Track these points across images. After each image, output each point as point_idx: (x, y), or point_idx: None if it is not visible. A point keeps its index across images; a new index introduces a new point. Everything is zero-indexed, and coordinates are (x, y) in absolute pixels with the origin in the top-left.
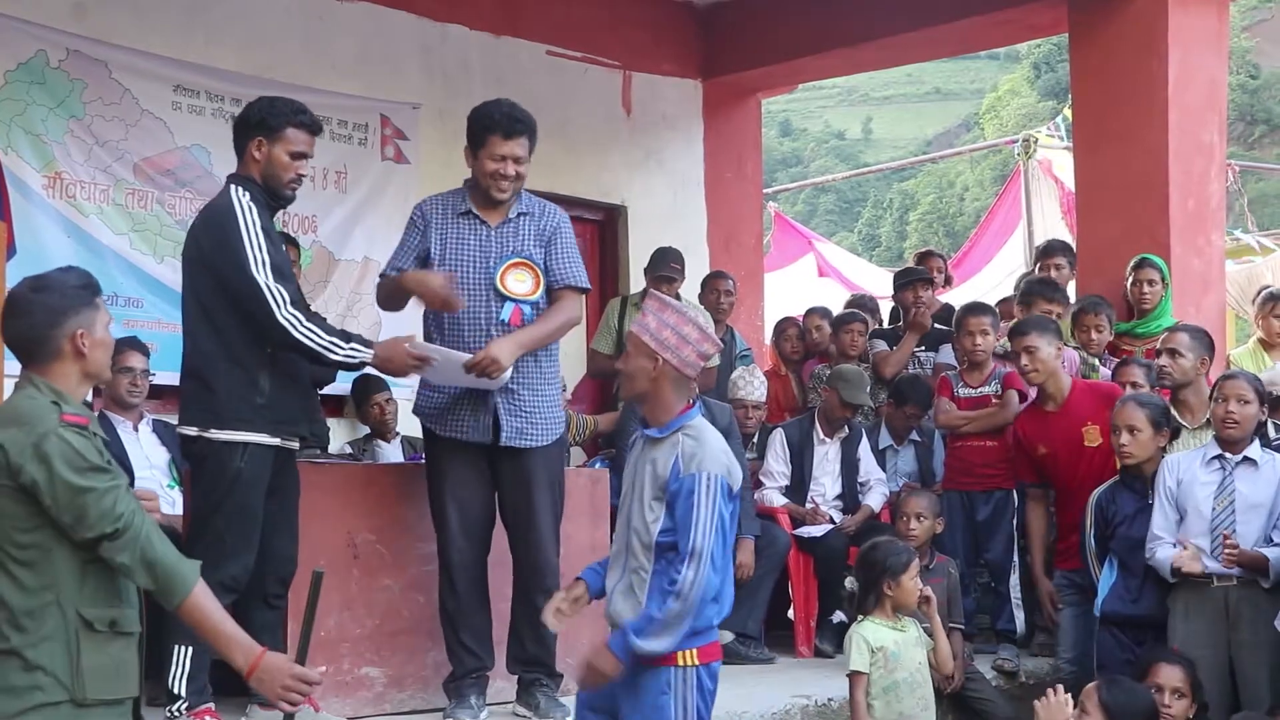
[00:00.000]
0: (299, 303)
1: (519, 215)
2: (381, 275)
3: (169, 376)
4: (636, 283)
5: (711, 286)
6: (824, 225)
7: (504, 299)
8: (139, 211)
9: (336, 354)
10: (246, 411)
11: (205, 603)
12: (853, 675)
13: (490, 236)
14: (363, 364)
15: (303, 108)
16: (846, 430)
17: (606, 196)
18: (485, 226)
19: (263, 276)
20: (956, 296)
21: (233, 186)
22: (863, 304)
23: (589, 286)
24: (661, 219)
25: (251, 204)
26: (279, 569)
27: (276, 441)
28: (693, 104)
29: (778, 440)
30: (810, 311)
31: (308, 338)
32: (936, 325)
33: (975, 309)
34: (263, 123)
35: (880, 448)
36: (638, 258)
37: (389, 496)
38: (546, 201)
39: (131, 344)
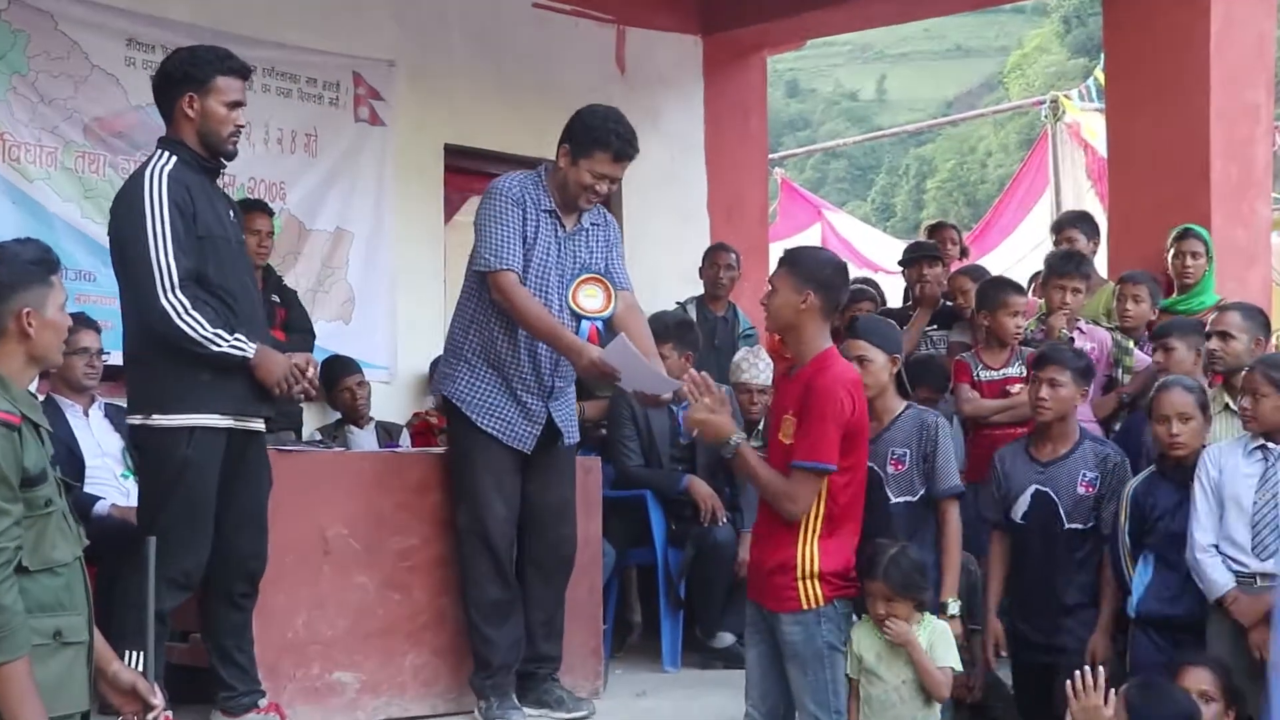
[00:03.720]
0: (186, 288)
1: (591, 225)
2: (498, 269)
3: (121, 356)
4: (633, 254)
5: (712, 260)
6: (834, 193)
7: (577, 317)
8: (90, 176)
9: (223, 345)
10: (190, 392)
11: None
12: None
13: (564, 244)
14: (245, 360)
15: (227, 53)
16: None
17: None
18: (562, 230)
19: (153, 251)
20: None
21: (156, 153)
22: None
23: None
24: (658, 186)
25: (164, 175)
26: (245, 565)
27: (229, 423)
28: (692, 62)
29: None
30: None
31: (189, 324)
32: (947, 302)
33: (1012, 285)
34: (188, 76)
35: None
36: (632, 228)
37: (362, 487)
38: (602, 207)
39: (83, 321)
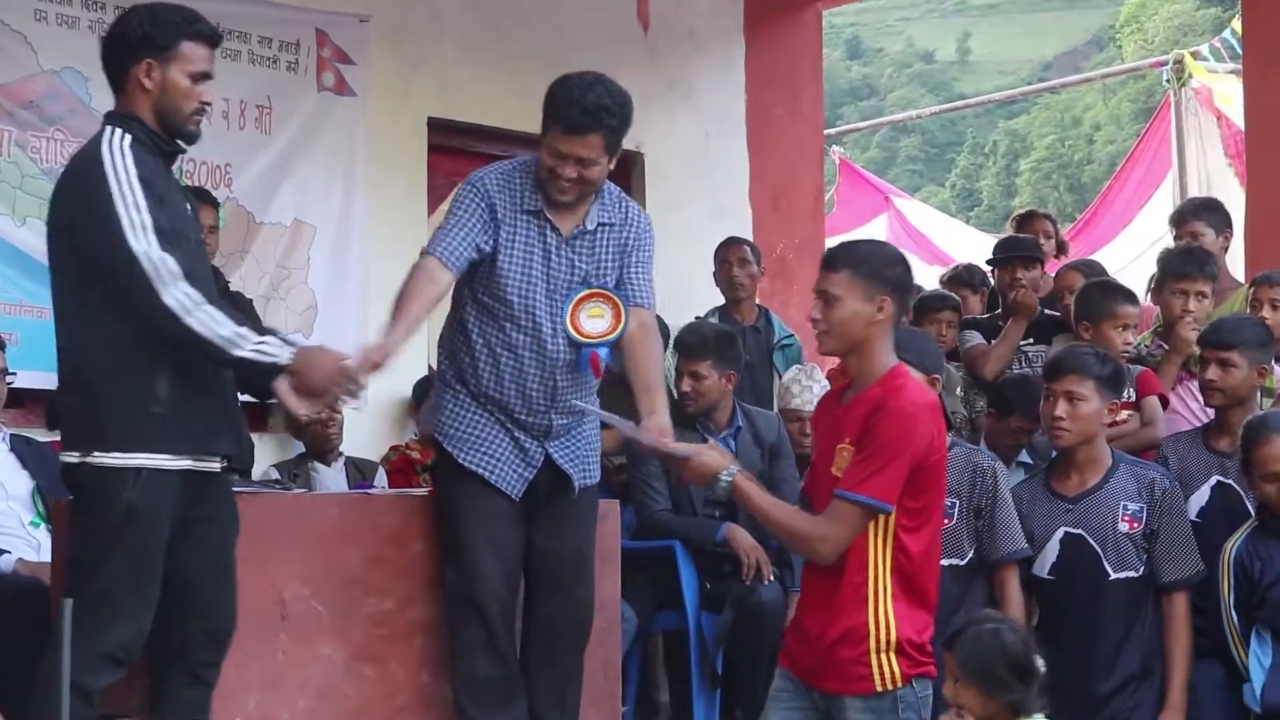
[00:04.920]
0: (195, 278)
1: (599, 227)
2: (423, 254)
3: (33, 377)
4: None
5: (721, 259)
6: (906, 177)
7: (576, 344)
8: None
9: (242, 349)
10: (137, 425)
11: None
12: None
13: (560, 251)
14: (275, 368)
15: (195, 14)
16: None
17: None
18: (555, 235)
19: (140, 242)
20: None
21: (107, 129)
22: (966, 277)
23: (655, 309)
24: (689, 169)
25: (126, 149)
26: (209, 626)
27: (184, 464)
28: (730, 18)
29: None
30: None
31: (203, 324)
32: (1046, 311)
33: (1121, 291)
34: (147, 39)
35: (1037, 469)
36: (658, 224)
37: (329, 538)
38: (629, 201)
39: None
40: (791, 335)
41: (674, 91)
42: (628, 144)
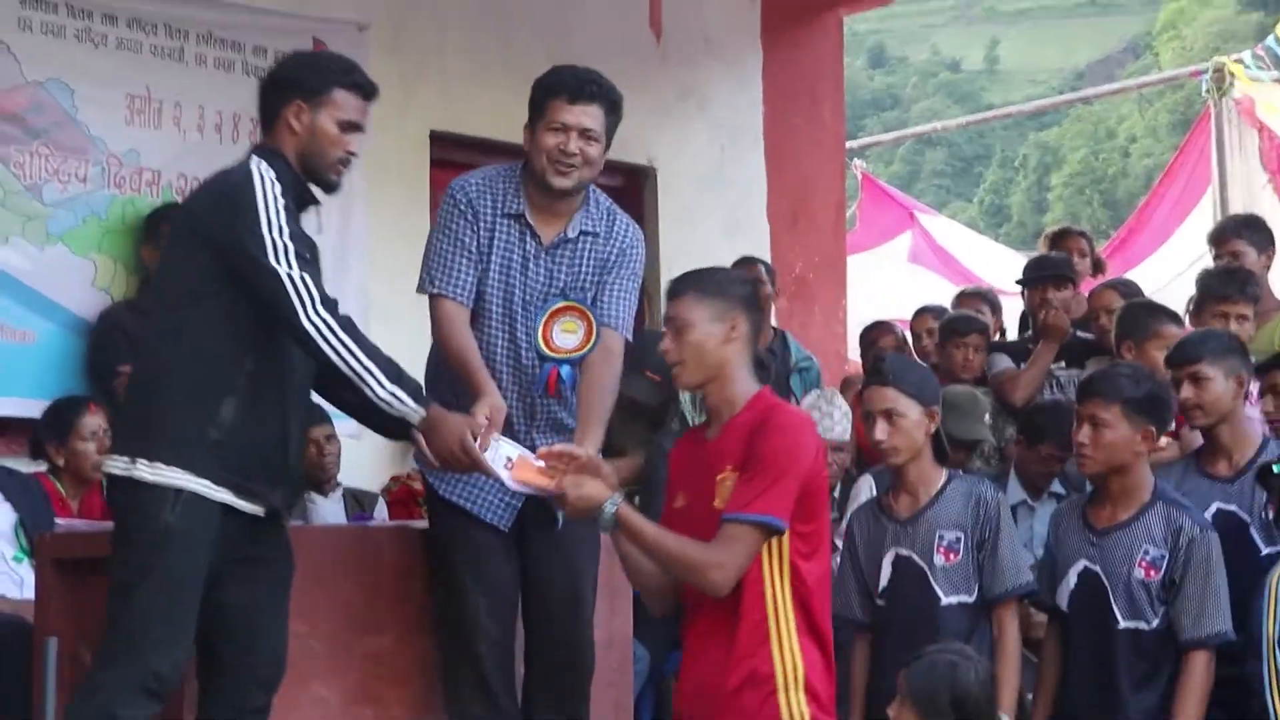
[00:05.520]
0: (330, 304)
1: (581, 235)
2: (434, 293)
3: (13, 405)
4: (670, 274)
5: None
6: (931, 192)
7: (544, 358)
8: None
9: (378, 390)
10: (189, 444)
11: None
12: None
13: (538, 259)
14: (403, 422)
15: (354, 65)
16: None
17: (627, 153)
18: (535, 242)
19: (284, 264)
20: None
21: (254, 158)
22: (977, 299)
23: (629, 336)
24: (703, 184)
25: (273, 178)
26: (261, 672)
27: (225, 497)
28: (747, 24)
29: (866, 492)
30: (921, 312)
31: (339, 352)
32: (1079, 333)
33: (1165, 312)
34: (302, 83)
35: (1010, 503)
36: (670, 241)
37: (326, 572)
38: (619, 213)
39: None
40: (810, 358)
41: (688, 102)
42: (638, 158)
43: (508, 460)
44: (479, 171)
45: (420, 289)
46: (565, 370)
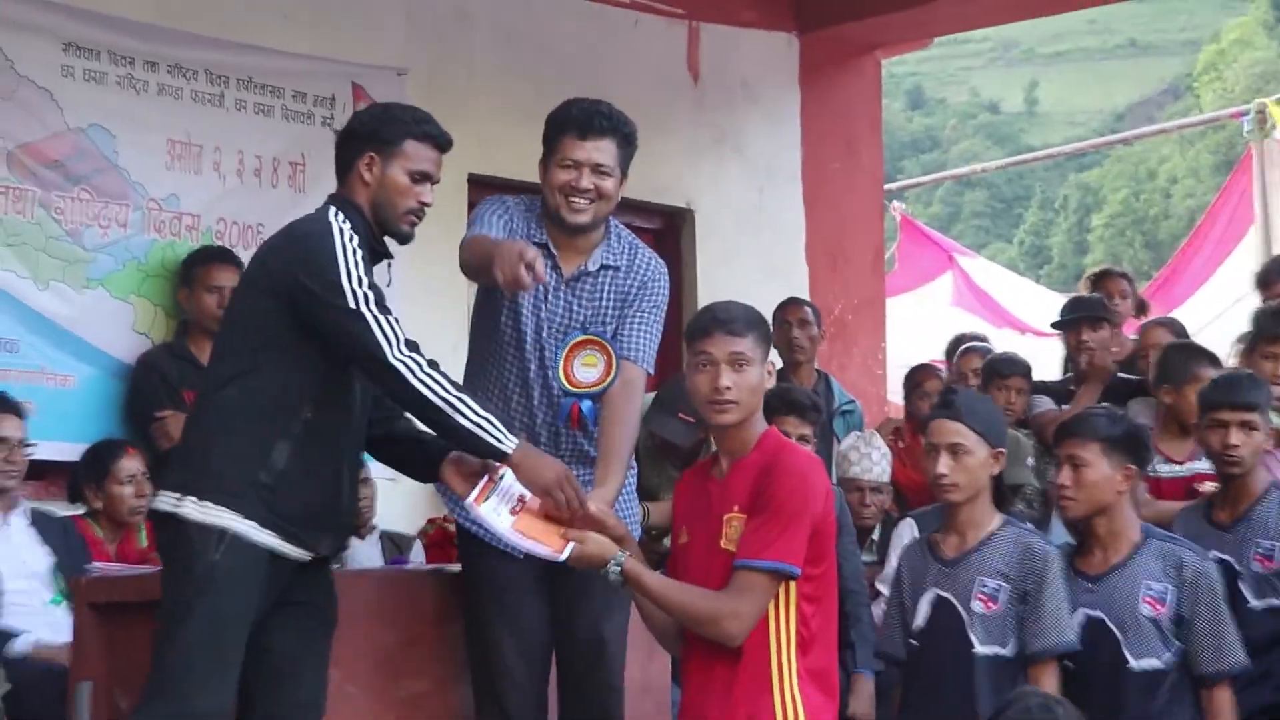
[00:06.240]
0: (414, 345)
1: (601, 269)
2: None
3: (53, 449)
4: None
5: (780, 319)
6: (971, 233)
7: (565, 392)
8: (13, 218)
9: (470, 415)
10: (239, 484)
11: None
12: None
13: (557, 292)
14: (497, 453)
15: (427, 116)
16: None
17: (664, 196)
18: (556, 274)
19: (368, 307)
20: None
21: (331, 208)
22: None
23: (651, 371)
24: (741, 226)
25: (352, 231)
26: (298, 718)
27: (271, 541)
28: (785, 66)
29: (908, 535)
30: (967, 351)
31: (428, 385)
32: (1122, 374)
33: (1205, 354)
34: (375, 134)
35: (1060, 544)
36: (707, 282)
37: (361, 616)
38: (641, 247)
39: (0, 403)
40: (853, 402)
41: (725, 145)
42: (677, 200)
43: (519, 500)
44: (510, 197)
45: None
46: (586, 405)
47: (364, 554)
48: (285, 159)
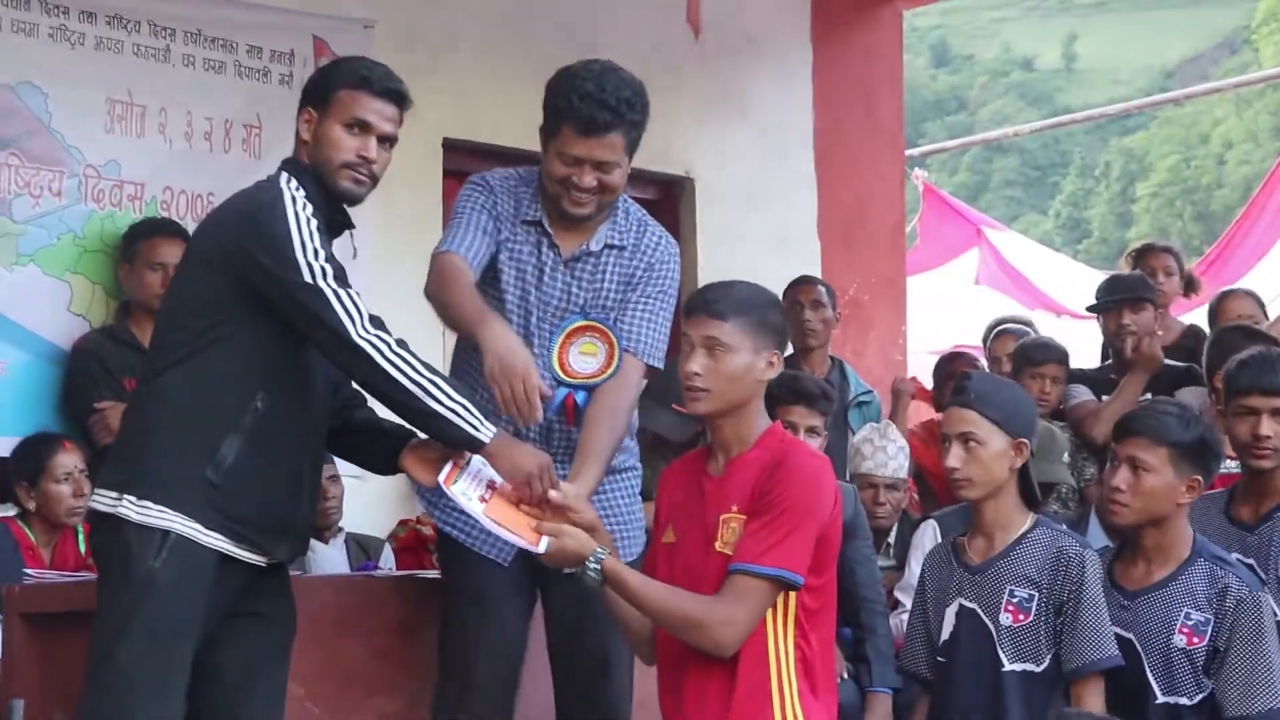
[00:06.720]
0: (379, 322)
1: (605, 249)
2: (438, 252)
3: None
4: None
5: (792, 299)
6: (1001, 204)
7: (559, 382)
8: None
9: (444, 400)
10: (181, 482)
11: None
12: None
13: (555, 273)
14: (472, 441)
15: (371, 64)
16: (1061, 525)
17: (661, 164)
18: (554, 253)
19: (325, 281)
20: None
21: (283, 174)
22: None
23: (661, 365)
24: (747, 197)
25: (307, 200)
26: None
27: (219, 544)
28: (795, 19)
29: (929, 538)
30: (1001, 334)
31: (399, 367)
32: (1169, 362)
33: (1262, 336)
34: (312, 88)
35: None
36: (711, 258)
37: (326, 628)
38: (651, 224)
39: None
40: (870, 392)
41: (729, 106)
42: (675, 168)
43: (490, 485)
44: (499, 170)
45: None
46: (581, 397)
47: (329, 559)
48: (238, 121)
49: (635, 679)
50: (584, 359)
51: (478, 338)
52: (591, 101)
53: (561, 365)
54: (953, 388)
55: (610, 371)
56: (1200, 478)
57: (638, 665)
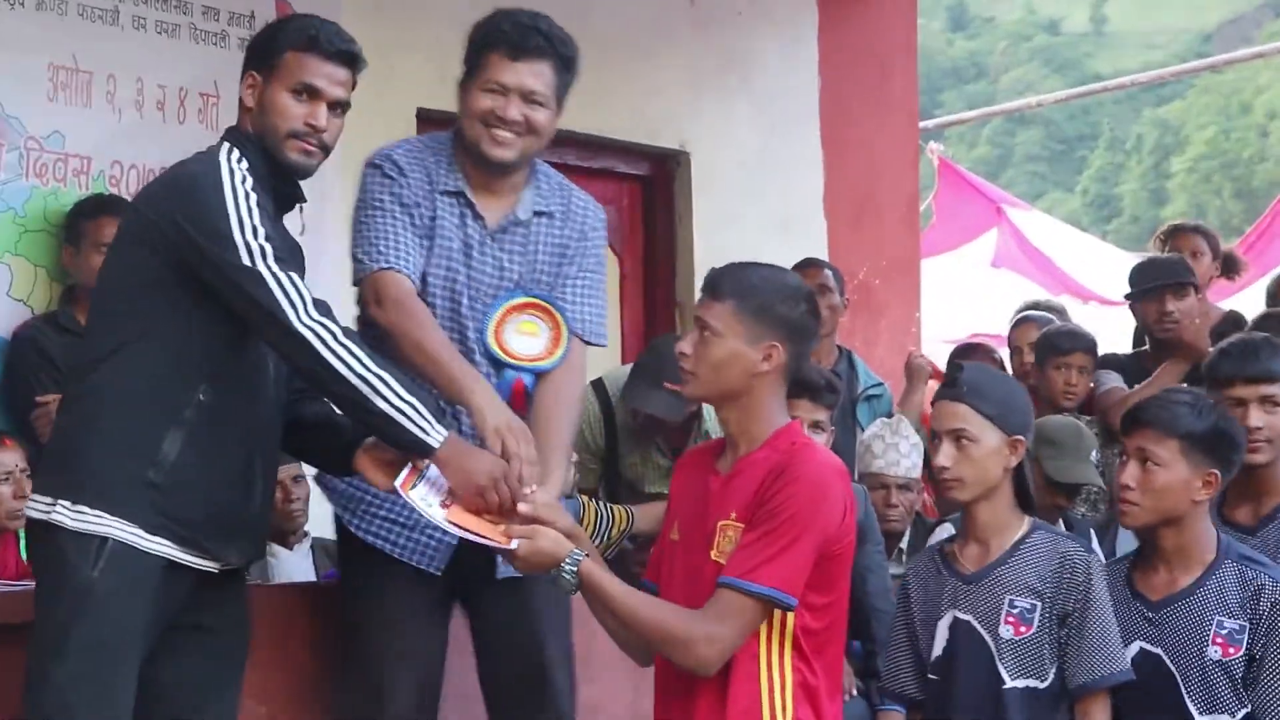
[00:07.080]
0: (324, 308)
1: (534, 217)
2: (375, 269)
3: None
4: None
5: None
6: (1024, 180)
7: (498, 363)
8: None
9: (392, 400)
10: (120, 484)
11: None
12: None
13: (484, 247)
14: (421, 445)
15: (320, 23)
16: (1060, 528)
17: (654, 136)
18: (479, 225)
19: (264, 262)
20: (1252, 298)
21: (224, 145)
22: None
23: (604, 343)
24: (747, 173)
25: (244, 170)
26: None
27: (163, 549)
28: None
29: None
30: (1023, 321)
31: (343, 359)
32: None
33: None
34: (254, 52)
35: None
36: (709, 238)
37: (291, 640)
38: (574, 189)
39: None
40: (881, 384)
41: (729, 74)
42: (669, 142)
43: (449, 491)
44: (401, 142)
45: (356, 276)
46: (529, 380)
47: (293, 565)
48: (194, 89)
49: (618, 683)
50: (523, 339)
51: (469, 406)
52: (522, 24)
53: (500, 345)
54: (943, 380)
55: (559, 354)
56: (1218, 471)
57: (637, 668)
